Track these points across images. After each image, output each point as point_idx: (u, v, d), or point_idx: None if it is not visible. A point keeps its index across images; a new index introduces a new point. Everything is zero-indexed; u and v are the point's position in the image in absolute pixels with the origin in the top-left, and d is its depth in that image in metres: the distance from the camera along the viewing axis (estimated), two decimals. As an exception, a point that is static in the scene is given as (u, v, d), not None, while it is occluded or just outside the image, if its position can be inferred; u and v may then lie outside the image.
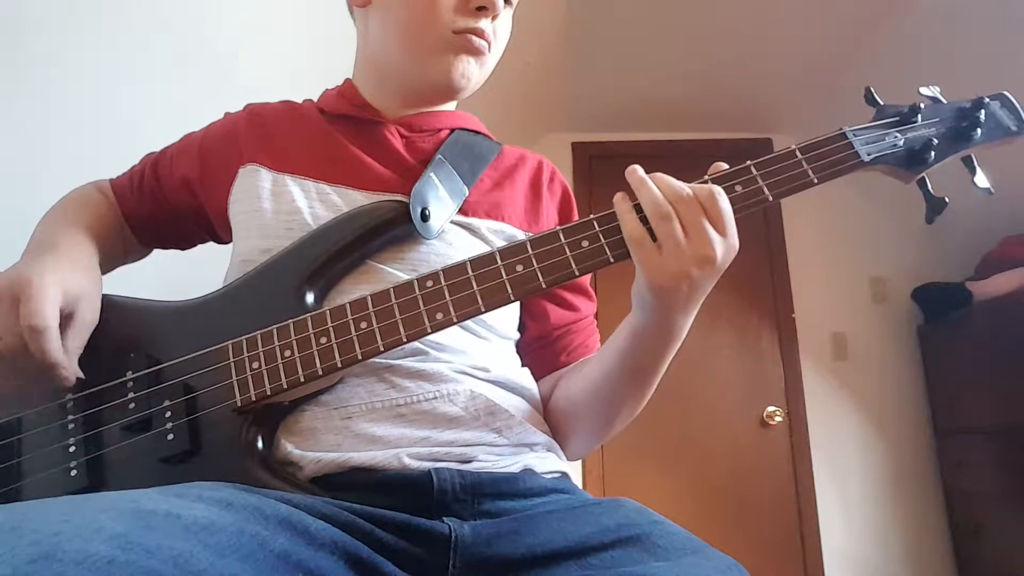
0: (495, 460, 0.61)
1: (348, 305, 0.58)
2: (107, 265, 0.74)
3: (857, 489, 2.73)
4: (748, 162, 0.59)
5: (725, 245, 0.55)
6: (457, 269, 0.58)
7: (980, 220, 2.40)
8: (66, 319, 0.59)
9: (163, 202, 0.79)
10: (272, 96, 0.82)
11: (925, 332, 2.82)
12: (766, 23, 2.37)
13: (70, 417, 0.60)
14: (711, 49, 2.54)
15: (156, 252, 0.86)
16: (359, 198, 0.68)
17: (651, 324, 0.60)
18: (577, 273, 0.57)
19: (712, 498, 2.70)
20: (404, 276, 0.63)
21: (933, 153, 0.61)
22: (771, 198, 0.59)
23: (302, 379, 0.56)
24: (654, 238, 0.55)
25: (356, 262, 0.64)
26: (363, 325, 0.57)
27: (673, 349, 0.63)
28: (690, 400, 2.76)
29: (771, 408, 2.78)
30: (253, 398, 0.56)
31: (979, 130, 0.63)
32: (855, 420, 2.80)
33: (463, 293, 0.57)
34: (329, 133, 0.74)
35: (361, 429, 0.58)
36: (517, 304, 0.75)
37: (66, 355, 0.58)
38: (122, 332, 0.64)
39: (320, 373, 0.56)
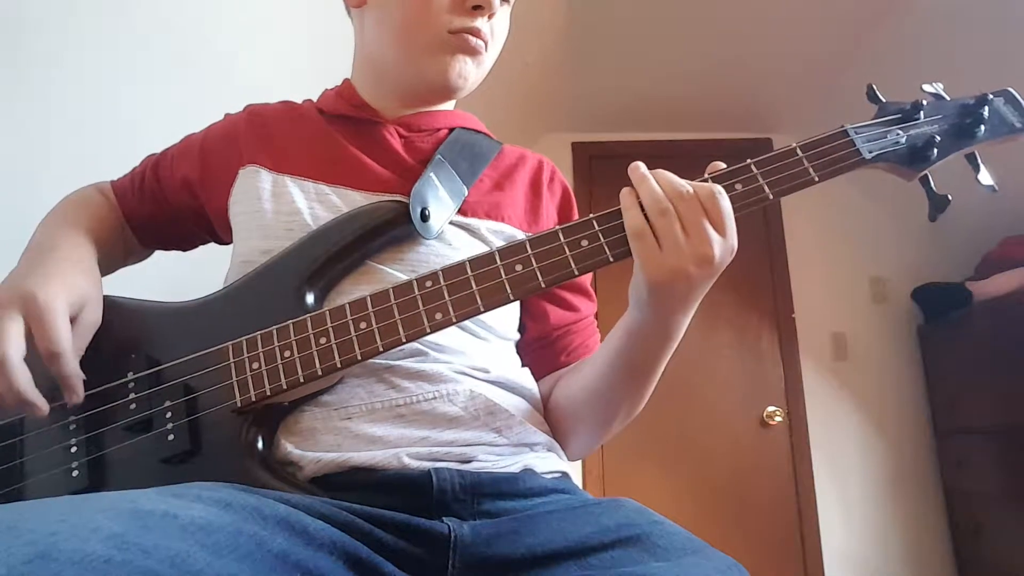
0: (495, 460, 0.61)
1: (347, 306, 0.58)
2: (108, 266, 0.74)
3: (857, 489, 2.73)
4: (748, 160, 0.59)
5: (724, 245, 0.55)
6: (456, 269, 0.58)
7: (980, 220, 2.40)
8: (71, 323, 0.59)
9: (164, 203, 0.79)
10: (272, 96, 0.82)
11: (925, 332, 2.82)
12: (766, 23, 2.37)
13: (71, 418, 0.60)
14: (711, 49, 2.54)
15: (157, 253, 0.87)
16: (358, 199, 0.68)
17: (647, 322, 0.60)
18: (576, 272, 0.57)
19: (712, 498, 2.70)
20: (404, 277, 0.63)
21: (936, 150, 0.61)
22: (771, 196, 0.58)
23: (302, 379, 0.56)
24: (655, 234, 0.55)
25: (356, 263, 0.64)
26: (362, 325, 0.57)
27: (670, 349, 0.63)
28: (690, 400, 2.76)
29: (771, 408, 2.78)
30: (253, 398, 0.56)
31: (983, 127, 0.62)
32: (855, 420, 2.80)
33: (462, 293, 0.57)
34: (328, 134, 0.74)
35: (361, 429, 0.58)
36: (517, 304, 0.75)
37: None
38: (123, 333, 0.64)
39: (320, 373, 0.56)
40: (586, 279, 0.79)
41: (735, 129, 3.07)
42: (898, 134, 0.62)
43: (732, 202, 0.56)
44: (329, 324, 0.57)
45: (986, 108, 0.62)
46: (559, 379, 0.75)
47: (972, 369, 2.49)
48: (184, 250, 0.85)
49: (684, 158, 2.95)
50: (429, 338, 0.61)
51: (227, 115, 0.81)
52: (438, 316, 0.56)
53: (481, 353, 0.67)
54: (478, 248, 0.67)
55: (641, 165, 0.58)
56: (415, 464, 0.57)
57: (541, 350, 0.76)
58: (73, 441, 0.59)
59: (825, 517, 2.68)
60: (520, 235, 0.73)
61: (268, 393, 0.56)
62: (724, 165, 0.59)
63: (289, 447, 0.58)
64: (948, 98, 0.65)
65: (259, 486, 0.51)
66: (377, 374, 0.61)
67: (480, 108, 0.86)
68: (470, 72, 0.72)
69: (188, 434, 0.56)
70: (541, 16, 2.26)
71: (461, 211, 0.70)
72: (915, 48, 2.31)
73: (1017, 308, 2.29)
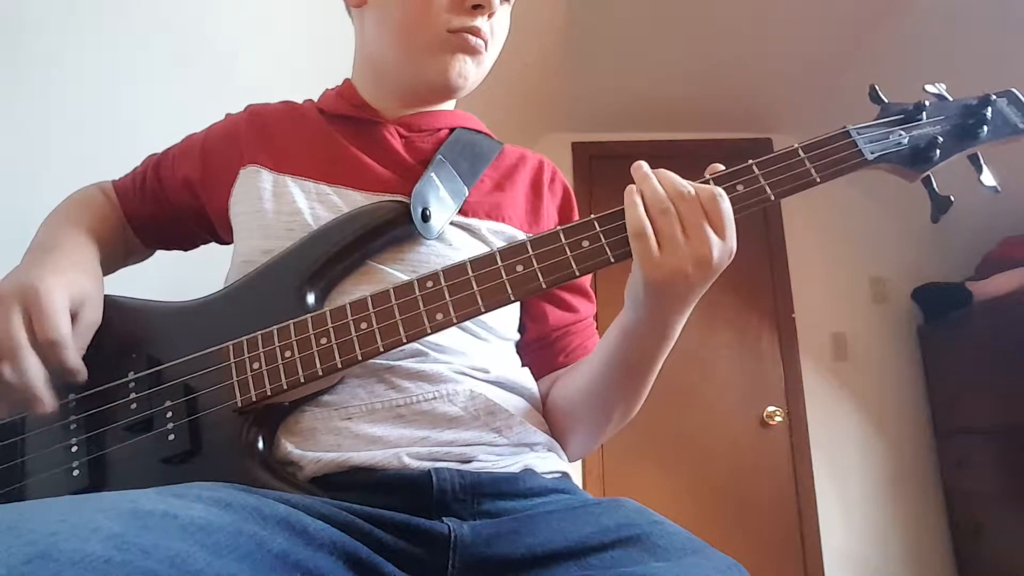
0: (495, 460, 0.61)
1: (348, 306, 0.58)
2: (109, 266, 0.74)
3: (857, 489, 2.73)
4: (750, 161, 0.59)
5: (723, 248, 0.55)
6: (457, 269, 0.58)
7: (981, 220, 2.40)
8: (72, 321, 0.59)
9: (165, 203, 0.79)
10: (272, 96, 0.82)
11: (925, 332, 2.82)
12: (766, 23, 2.37)
13: (72, 417, 0.60)
14: (711, 49, 2.54)
15: (158, 253, 0.87)
16: (359, 199, 0.68)
17: (643, 321, 0.60)
18: (577, 273, 0.57)
19: (712, 498, 2.70)
20: (404, 277, 0.63)
21: (938, 151, 0.61)
22: (773, 197, 0.58)
23: (302, 380, 0.56)
24: (655, 234, 0.55)
25: (357, 263, 0.64)
26: (363, 326, 0.57)
27: (665, 349, 0.63)
28: (690, 400, 2.76)
29: (771, 408, 2.78)
30: (253, 398, 0.56)
31: (986, 128, 0.62)
32: (855, 420, 2.80)
33: (463, 293, 0.57)
34: (329, 134, 0.74)
35: (361, 429, 0.58)
36: (517, 305, 0.75)
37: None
38: (124, 333, 0.64)
39: (320, 374, 0.56)
40: (586, 280, 0.79)
41: (735, 129, 3.07)
42: (900, 135, 0.62)
43: (734, 202, 0.56)
44: (330, 324, 0.57)
45: (989, 109, 0.62)
46: (557, 379, 0.75)
47: (972, 369, 2.49)
48: (185, 250, 0.86)
49: (684, 158, 2.95)
50: (429, 338, 0.61)
51: (228, 115, 0.81)
52: (439, 316, 0.56)
53: (481, 353, 0.67)
54: (479, 248, 0.67)
55: (644, 164, 0.58)
56: (415, 464, 0.57)
57: (540, 351, 0.76)
58: (73, 440, 0.59)
59: (825, 517, 2.68)
60: (521, 236, 0.73)
61: (269, 393, 0.56)
62: (723, 167, 0.59)
63: (289, 447, 0.58)
64: (951, 99, 0.65)
65: (259, 486, 0.51)
66: (377, 374, 0.61)
67: (480, 108, 0.86)
68: (470, 71, 0.72)
69: (188, 434, 0.56)
70: (541, 16, 2.26)
71: (462, 211, 0.70)
72: (915, 48, 2.31)
73: (1017, 308, 2.29)
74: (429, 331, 0.56)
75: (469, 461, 0.59)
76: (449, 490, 0.56)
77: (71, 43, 1.03)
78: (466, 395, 0.62)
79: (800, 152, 0.59)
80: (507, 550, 0.52)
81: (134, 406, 0.58)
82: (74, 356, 0.57)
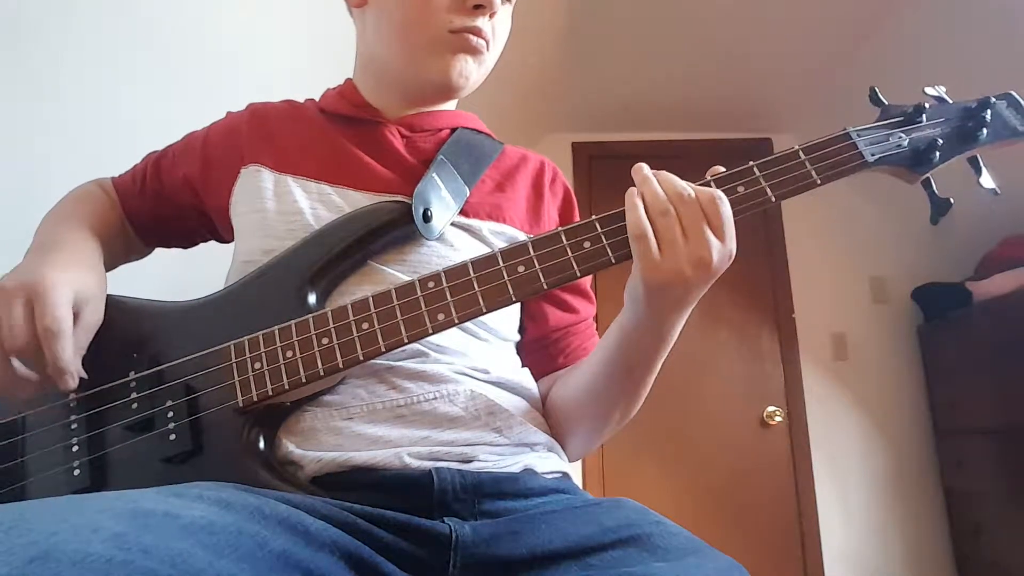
0: (496, 460, 0.61)
1: (350, 306, 0.58)
2: (108, 263, 0.74)
3: (857, 489, 2.73)
4: (751, 162, 0.59)
5: (722, 251, 0.55)
6: (459, 270, 0.58)
7: (980, 220, 2.40)
8: (73, 320, 0.59)
9: (165, 201, 0.78)
10: (272, 96, 0.82)
11: (925, 332, 2.82)
12: (766, 23, 2.37)
13: (73, 417, 0.60)
14: (711, 49, 2.54)
15: (159, 252, 0.86)
16: (360, 199, 0.68)
17: (642, 322, 0.60)
18: (579, 274, 0.57)
19: (712, 498, 2.70)
20: (405, 277, 0.63)
21: (938, 153, 0.61)
22: (774, 199, 0.58)
23: (304, 380, 0.56)
24: (655, 235, 0.55)
25: (358, 263, 0.64)
26: (365, 326, 0.57)
27: (664, 350, 0.63)
28: (690, 400, 2.76)
29: (771, 408, 2.78)
30: (255, 399, 0.56)
31: (985, 130, 0.62)
32: (855, 420, 2.80)
33: (465, 294, 0.57)
34: (330, 133, 0.74)
35: (362, 429, 0.58)
36: (517, 306, 0.75)
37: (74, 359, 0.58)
38: (125, 332, 0.64)
39: (322, 374, 0.56)
40: (586, 281, 0.79)
41: (735, 129, 3.07)
42: (900, 137, 0.62)
43: (734, 204, 0.57)
44: (331, 324, 0.57)
45: (988, 111, 0.63)
46: (556, 380, 0.75)
47: (972, 369, 2.49)
48: (185, 247, 0.85)
49: (684, 158, 2.97)
50: (430, 339, 0.61)
51: (229, 113, 0.80)
52: (440, 317, 0.56)
53: (482, 354, 0.67)
54: (479, 249, 0.68)
55: (644, 166, 0.59)
56: (416, 464, 0.57)
57: (540, 351, 0.77)
58: (74, 440, 0.59)
59: (825, 517, 2.68)
60: (521, 236, 0.73)
61: (270, 393, 0.56)
62: (724, 169, 0.59)
63: (290, 447, 0.58)
64: (950, 101, 0.65)
65: (260, 486, 0.51)
66: (378, 374, 0.61)
67: (480, 108, 0.86)
68: (471, 71, 0.72)
69: (189, 434, 0.56)
70: (541, 16, 2.27)
71: (463, 212, 0.70)
72: (915, 48, 2.31)
73: (1017, 308, 2.29)
74: (431, 331, 0.56)
75: (470, 461, 0.59)
76: (450, 490, 0.56)
77: (71, 43, 1.03)
78: (466, 395, 0.62)
79: (801, 154, 0.59)
80: (508, 550, 0.52)
81: (135, 406, 0.58)
82: (70, 353, 0.57)
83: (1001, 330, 2.35)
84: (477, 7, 0.69)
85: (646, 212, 0.55)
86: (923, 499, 2.71)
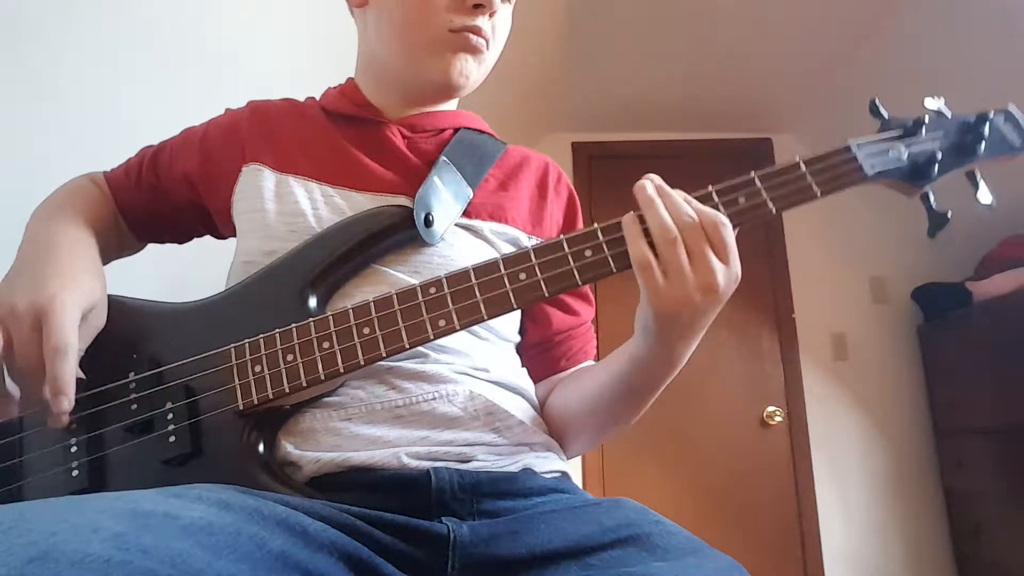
0: (494, 460, 0.61)
1: (351, 310, 0.58)
2: (101, 259, 0.73)
3: (857, 489, 2.73)
4: (752, 173, 0.59)
5: (728, 274, 0.55)
6: (461, 276, 0.58)
7: (980, 220, 2.39)
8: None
9: (161, 195, 0.77)
10: (273, 95, 0.82)
11: (925, 332, 2.82)
12: (766, 23, 2.37)
13: (72, 417, 0.59)
14: (711, 49, 2.54)
15: (159, 252, 0.86)
16: (362, 200, 0.68)
17: (653, 349, 0.60)
18: (580, 282, 0.57)
19: (712, 498, 2.70)
20: (407, 279, 0.63)
21: (936, 167, 0.62)
22: (774, 211, 0.59)
23: (304, 384, 0.56)
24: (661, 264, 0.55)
25: (359, 266, 0.64)
26: (366, 331, 0.57)
27: (671, 376, 0.64)
28: (690, 400, 2.76)
29: (771, 408, 2.78)
30: (255, 402, 0.56)
31: (983, 145, 0.63)
32: (855, 420, 2.80)
33: (466, 301, 0.57)
34: (331, 133, 0.74)
35: (360, 430, 0.58)
36: (519, 308, 0.75)
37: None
38: (126, 333, 0.63)
39: (323, 378, 0.56)
40: (586, 283, 0.79)
41: (735, 129, 3.07)
42: (900, 150, 0.62)
43: (735, 216, 0.57)
44: (332, 328, 0.57)
45: (986, 126, 0.63)
46: (555, 386, 0.75)
47: (972, 369, 2.49)
48: (179, 243, 0.84)
49: (684, 158, 2.97)
50: (430, 340, 0.61)
51: (228, 110, 0.80)
52: (442, 323, 0.56)
53: (483, 353, 0.67)
54: (481, 250, 0.68)
55: (648, 185, 0.57)
56: (414, 463, 0.57)
57: (542, 354, 0.76)
58: (73, 441, 0.58)
59: (825, 517, 2.68)
60: (523, 237, 0.73)
61: (270, 397, 0.56)
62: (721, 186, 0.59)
63: (289, 447, 0.58)
64: (949, 115, 0.66)
65: (259, 488, 0.51)
66: (377, 375, 0.61)
67: (480, 108, 0.86)
68: (472, 70, 0.72)
69: (189, 436, 0.56)
70: (541, 16, 2.26)
71: (465, 212, 0.70)
72: (915, 48, 2.31)
73: (1017, 308, 2.29)
74: (432, 337, 0.57)
75: (468, 461, 0.59)
76: (448, 489, 0.56)
77: (71, 43, 1.03)
78: (465, 395, 0.62)
79: (802, 166, 0.60)
80: (507, 550, 0.52)
81: (135, 407, 0.58)
82: (71, 376, 0.54)
83: (1001, 330, 2.35)
84: (477, 6, 0.69)
85: (653, 240, 0.55)
86: (923, 499, 2.72)
